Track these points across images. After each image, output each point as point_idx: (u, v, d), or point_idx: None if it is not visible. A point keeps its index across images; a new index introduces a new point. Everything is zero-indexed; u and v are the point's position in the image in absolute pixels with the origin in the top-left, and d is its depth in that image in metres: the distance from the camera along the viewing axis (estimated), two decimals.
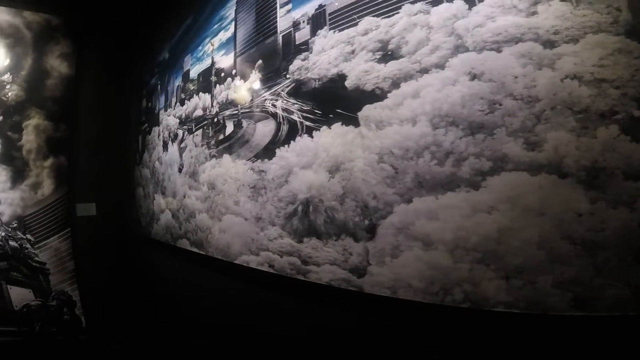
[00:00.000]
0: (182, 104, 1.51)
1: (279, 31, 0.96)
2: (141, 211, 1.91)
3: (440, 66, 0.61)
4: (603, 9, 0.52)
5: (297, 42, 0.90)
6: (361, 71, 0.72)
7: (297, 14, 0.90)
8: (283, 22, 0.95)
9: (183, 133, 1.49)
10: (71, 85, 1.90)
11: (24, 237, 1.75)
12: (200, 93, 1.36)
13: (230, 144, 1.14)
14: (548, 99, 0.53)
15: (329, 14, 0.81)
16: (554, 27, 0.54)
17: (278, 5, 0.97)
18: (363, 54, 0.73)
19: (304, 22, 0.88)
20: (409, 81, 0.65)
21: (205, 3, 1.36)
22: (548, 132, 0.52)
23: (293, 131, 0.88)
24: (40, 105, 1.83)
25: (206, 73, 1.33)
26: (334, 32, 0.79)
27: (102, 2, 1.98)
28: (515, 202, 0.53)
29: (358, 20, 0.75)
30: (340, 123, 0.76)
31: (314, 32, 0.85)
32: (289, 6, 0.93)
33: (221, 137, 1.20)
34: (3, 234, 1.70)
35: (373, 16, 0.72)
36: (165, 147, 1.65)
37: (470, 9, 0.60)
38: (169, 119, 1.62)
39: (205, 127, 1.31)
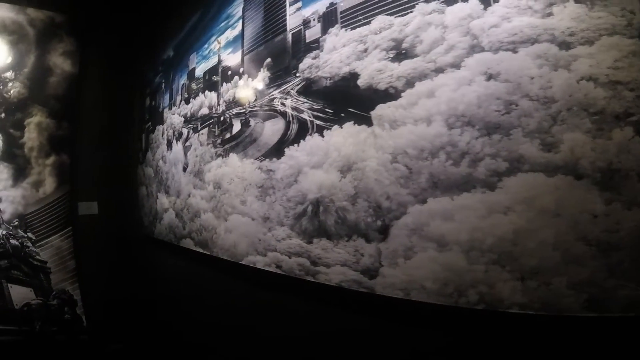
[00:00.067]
0: (188, 102, 1.50)
1: (288, 29, 0.96)
2: (144, 210, 1.90)
3: (456, 66, 0.61)
4: (617, 12, 0.52)
5: (307, 40, 0.89)
6: (374, 70, 0.72)
7: (307, 11, 0.90)
8: (293, 20, 0.95)
9: (188, 132, 1.48)
10: (74, 83, 1.89)
11: (25, 235, 1.74)
12: (206, 91, 1.36)
13: (237, 143, 1.13)
14: (564, 100, 0.53)
15: (341, 12, 0.81)
16: (569, 29, 0.54)
17: (287, 3, 0.97)
18: (376, 52, 0.72)
19: (314, 20, 0.87)
20: (423, 80, 0.64)
21: (211, 1, 1.35)
22: (564, 133, 0.52)
23: (303, 130, 0.87)
24: (42, 102, 1.82)
25: (212, 71, 1.32)
26: (346, 30, 0.79)
27: None
28: (531, 203, 0.53)
29: (370, 19, 0.74)
30: (352, 122, 0.75)
31: (325, 30, 0.84)
32: (299, 4, 0.93)
33: (228, 135, 1.19)
34: (4, 232, 1.68)
35: (386, 15, 0.72)
36: (169, 145, 1.64)
37: (485, 9, 0.60)
38: (174, 117, 1.62)
39: (211, 126, 1.31)
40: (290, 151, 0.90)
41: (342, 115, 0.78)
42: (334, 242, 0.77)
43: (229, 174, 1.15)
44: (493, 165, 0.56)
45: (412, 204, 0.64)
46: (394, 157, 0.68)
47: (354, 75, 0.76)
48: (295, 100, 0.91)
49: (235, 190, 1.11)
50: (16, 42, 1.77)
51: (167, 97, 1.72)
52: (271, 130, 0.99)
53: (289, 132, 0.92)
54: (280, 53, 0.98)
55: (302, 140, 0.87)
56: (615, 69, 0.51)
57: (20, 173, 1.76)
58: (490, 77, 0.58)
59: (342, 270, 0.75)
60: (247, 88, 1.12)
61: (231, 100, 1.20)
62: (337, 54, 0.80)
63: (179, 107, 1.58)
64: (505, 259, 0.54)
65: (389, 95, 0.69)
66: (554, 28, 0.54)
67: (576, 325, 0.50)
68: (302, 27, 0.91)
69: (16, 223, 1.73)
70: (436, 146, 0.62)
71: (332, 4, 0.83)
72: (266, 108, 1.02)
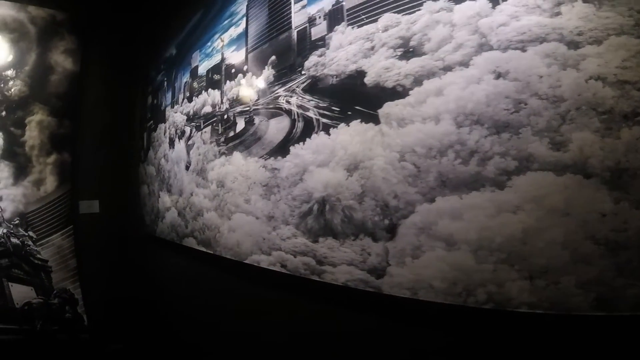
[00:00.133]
0: (190, 100, 1.49)
1: (293, 27, 0.95)
2: (145, 209, 1.89)
3: (465, 64, 0.61)
4: (625, 12, 0.52)
5: (312, 38, 0.89)
6: (381, 68, 0.72)
7: (312, 9, 0.90)
8: (298, 17, 0.94)
9: (191, 130, 1.47)
10: (75, 81, 1.88)
11: (26, 234, 1.73)
12: (209, 89, 1.35)
13: (241, 141, 1.13)
14: (573, 99, 0.53)
15: (347, 10, 0.81)
16: (577, 28, 0.54)
17: (292, 1, 0.96)
18: (383, 50, 0.72)
19: (320, 17, 0.87)
20: (432, 78, 0.64)
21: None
22: (573, 133, 0.52)
23: (308, 128, 0.87)
24: (43, 101, 1.81)
25: (216, 69, 1.32)
26: (352, 28, 0.79)
27: None
28: (540, 202, 0.53)
29: (377, 17, 0.74)
30: (359, 120, 0.75)
31: (330, 28, 0.84)
32: (304, 2, 0.93)
33: (231, 134, 1.19)
34: (5, 230, 1.68)
35: (393, 12, 0.71)
36: (171, 144, 1.64)
37: (494, 7, 0.60)
38: (176, 115, 1.61)
39: (214, 124, 1.30)
40: (295, 149, 0.90)
41: (349, 113, 0.78)
42: (340, 241, 0.77)
43: (232, 172, 1.15)
44: (502, 164, 0.56)
45: (421, 202, 0.64)
46: (401, 155, 0.67)
47: (360, 73, 0.76)
48: (300, 98, 0.91)
49: (239, 188, 1.11)
50: (17, 40, 1.76)
51: (169, 95, 1.72)
52: (276, 129, 0.98)
53: (294, 130, 0.92)
54: (285, 51, 0.98)
55: (307, 139, 0.87)
56: (624, 68, 0.51)
57: (21, 171, 1.75)
58: (499, 75, 0.58)
59: (348, 269, 0.75)
60: (251, 86, 1.11)
61: (235, 98, 1.19)
62: (343, 52, 0.80)
63: (181, 105, 1.58)
64: (514, 258, 0.54)
65: (397, 93, 0.69)
66: (563, 27, 0.54)
67: (585, 324, 0.50)
68: (307, 24, 0.91)
69: (17, 221, 1.72)
70: (445, 145, 0.61)
71: (338, 2, 0.83)
72: (271, 106, 1.02)
